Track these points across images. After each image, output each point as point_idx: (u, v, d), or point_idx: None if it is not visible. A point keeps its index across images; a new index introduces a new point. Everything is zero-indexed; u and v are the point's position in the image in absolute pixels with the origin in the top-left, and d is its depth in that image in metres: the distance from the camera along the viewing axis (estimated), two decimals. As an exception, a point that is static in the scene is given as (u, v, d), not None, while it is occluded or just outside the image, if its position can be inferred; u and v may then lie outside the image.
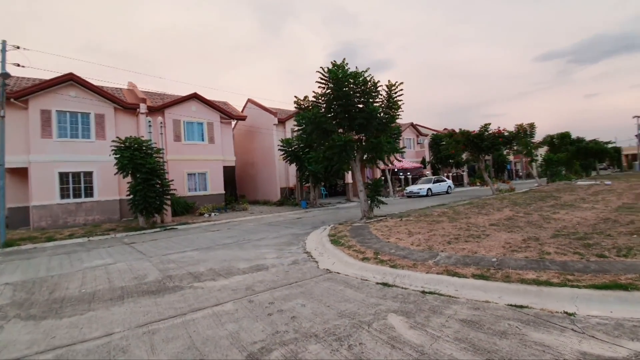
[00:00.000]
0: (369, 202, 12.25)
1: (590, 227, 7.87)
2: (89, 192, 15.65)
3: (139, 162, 13.23)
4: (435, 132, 34.60)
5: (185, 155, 19.10)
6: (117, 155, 13.25)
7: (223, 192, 20.63)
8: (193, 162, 19.42)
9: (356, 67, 11.38)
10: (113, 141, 13.49)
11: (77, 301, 5.00)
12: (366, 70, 11.34)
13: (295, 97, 11.80)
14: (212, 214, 17.83)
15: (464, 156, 26.88)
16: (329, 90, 11.43)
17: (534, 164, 28.57)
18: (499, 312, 3.83)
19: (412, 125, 33.26)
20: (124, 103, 16.72)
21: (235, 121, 22.86)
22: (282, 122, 23.38)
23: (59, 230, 13.49)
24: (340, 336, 3.38)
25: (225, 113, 20.81)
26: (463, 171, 36.03)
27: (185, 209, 18.23)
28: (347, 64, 11.45)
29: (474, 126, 21.04)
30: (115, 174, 13.92)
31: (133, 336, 3.68)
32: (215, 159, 20.30)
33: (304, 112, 11.43)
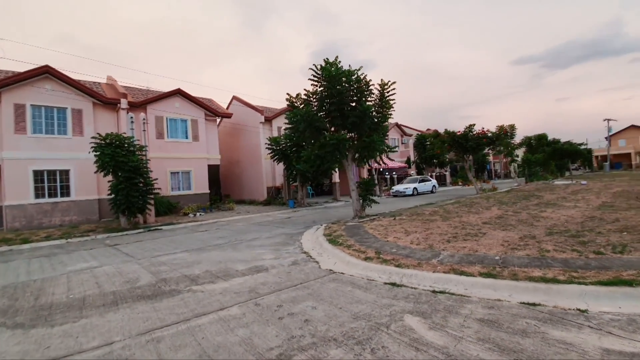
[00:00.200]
0: (361, 201, 12.22)
1: (578, 224, 8.11)
2: (66, 191, 14.82)
3: (121, 160, 12.62)
4: (419, 133, 35.14)
5: (169, 153, 18.46)
6: (97, 153, 12.59)
7: (208, 191, 20.10)
8: (176, 160, 18.81)
9: (349, 65, 11.32)
10: (93, 138, 12.81)
11: (66, 308, 4.64)
12: (359, 69, 11.28)
13: (288, 94, 11.60)
14: (198, 214, 17.32)
15: (448, 156, 27.40)
16: (321, 88, 11.30)
17: (514, 164, 29.52)
18: (513, 310, 3.81)
19: (397, 125, 33.62)
20: (104, 98, 15.96)
21: (220, 119, 22.35)
22: (268, 120, 23.03)
23: (34, 231, 12.69)
24: (360, 339, 3.26)
25: (210, 110, 20.27)
26: (446, 171, 36.79)
27: (169, 209, 17.62)
28: (339, 61, 11.36)
29: (452, 127, 21.44)
30: (95, 172, 13.23)
31: (136, 345, 3.42)
32: (200, 157, 19.75)
33: (298, 110, 11.23)
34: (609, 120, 46.76)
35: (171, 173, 18.71)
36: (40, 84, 14.07)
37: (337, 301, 4.34)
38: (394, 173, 28.87)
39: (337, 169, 21.22)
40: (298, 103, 11.67)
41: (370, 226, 9.52)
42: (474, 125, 20.22)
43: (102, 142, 12.73)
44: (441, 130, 24.29)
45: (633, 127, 56.05)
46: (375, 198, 12.96)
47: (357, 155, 12.20)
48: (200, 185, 19.68)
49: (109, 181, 13.14)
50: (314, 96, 11.57)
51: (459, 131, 20.67)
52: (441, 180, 35.83)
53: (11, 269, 7.28)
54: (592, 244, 6.04)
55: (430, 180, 25.97)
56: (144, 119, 15.62)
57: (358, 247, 7.02)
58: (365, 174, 25.49)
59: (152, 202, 14.25)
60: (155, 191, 14.15)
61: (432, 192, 25.30)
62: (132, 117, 15.13)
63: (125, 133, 14.33)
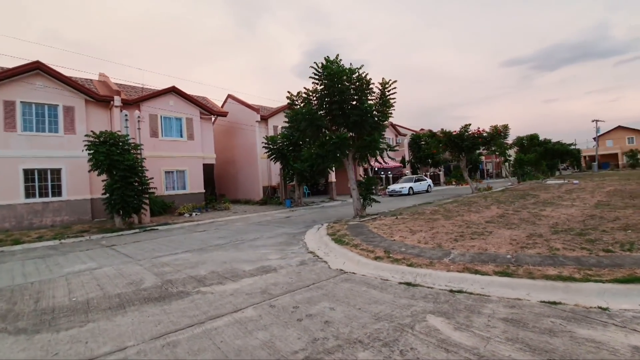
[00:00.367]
0: (362, 200, 12.15)
1: (581, 223, 8.18)
2: (57, 190, 14.40)
3: (116, 158, 12.31)
4: (413, 132, 35.30)
5: (163, 152, 18.12)
6: (91, 151, 12.26)
7: (203, 191, 19.81)
8: (171, 160, 18.49)
9: (350, 64, 11.24)
10: (86, 136, 12.47)
11: (70, 311, 4.44)
12: (360, 67, 11.22)
13: (289, 92, 11.45)
14: (193, 213, 17.05)
15: (444, 156, 27.57)
16: (322, 87, 11.20)
17: (507, 163, 29.88)
18: (535, 309, 3.77)
19: (392, 124, 33.72)
20: (97, 95, 15.56)
21: (215, 117, 22.05)
22: (264, 119, 22.82)
23: (25, 232, 12.27)
24: (387, 341, 3.17)
25: (205, 108, 19.98)
26: (440, 171, 37.06)
27: (163, 208, 17.29)
28: (340, 60, 11.28)
29: (443, 127, 21.60)
30: (89, 171, 12.89)
31: (152, 350, 3.26)
32: (195, 156, 19.44)
33: (300, 108, 11.11)
34: (597, 121, 47.78)
35: (165, 172, 18.38)
36: (30, 80, 13.63)
37: (354, 302, 4.24)
38: (389, 172, 28.94)
39: (333, 169, 21.20)
40: (299, 101, 11.54)
41: (373, 225, 9.46)
42: (470, 125, 20.38)
43: (96, 140, 12.41)
44: (435, 130, 24.49)
45: (620, 128, 57.42)
46: (375, 197, 12.91)
47: (357, 154, 12.13)
48: (195, 184, 19.38)
49: (102, 180, 12.81)
50: (314, 95, 11.47)
51: (455, 131, 20.79)
52: (435, 180, 36.09)
53: (5, 271, 6.99)
54: (600, 242, 6.07)
55: (426, 180, 26.11)
56: (139, 116, 15.29)
57: (366, 246, 6.94)
58: (361, 173, 25.49)
59: (147, 201, 13.96)
60: (151, 190, 13.86)
61: (427, 191, 25.43)
62: (126, 115, 14.78)
63: (119, 131, 13.99)
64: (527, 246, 6.09)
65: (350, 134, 11.97)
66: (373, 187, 12.60)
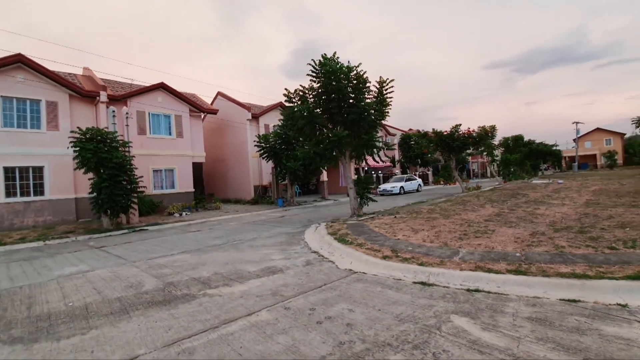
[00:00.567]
0: (359, 199, 12.07)
1: (577, 221, 8.34)
2: (40, 189, 13.72)
3: (104, 156, 11.79)
4: (402, 132, 35.56)
5: (151, 150, 17.56)
6: (77, 148, 11.70)
7: (192, 190, 19.33)
8: (159, 158, 17.94)
9: (348, 62, 11.14)
10: (72, 132, 11.89)
11: (68, 317, 4.14)
12: (358, 65, 11.13)
13: (286, 89, 11.22)
14: (183, 213, 16.60)
15: (434, 156, 27.86)
16: (319, 84, 11.05)
17: (494, 163, 30.49)
18: (557, 307, 3.75)
19: (381, 124, 33.86)
20: (82, 90, 14.91)
21: (204, 115, 21.55)
22: (255, 117, 22.46)
23: (7, 233, 11.62)
24: (416, 343, 3.06)
25: (194, 106, 19.49)
26: (428, 170, 37.48)
27: (152, 208, 16.76)
28: (337, 57, 11.17)
29: (428, 128, 21.90)
30: (75, 169, 12.30)
31: (166, 358, 3.05)
32: (184, 154, 18.94)
33: (299, 106, 10.91)
34: (577, 123, 49.43)
35: (154, 171, 17.82)
36: (12, 73, 12.91)
37: (372, 303, 4.12)
38: (379, 172, 29.05)
39: (325, 168, 21.06)
40: (296, 99, 11.34)
41: (373, 224, 9.38)
42: (460, 125, 20.70)
43: (83, 137, 11.85)
44: (423, 130, 24.71)
45: (598, 129, 59.62)
46: (371, 196, 12.85)
47: (355, 153, 12.04)
48: (184, 183, 18.88)
49: (89, 179, 12.28)
50: (311, 92, 11.30)
51: (446, 131, 21.04)
52: (424, 179, 36.44)
53: (-11, 275, 6.54)
54: (602, 239, 6.16)
55: (416, 179, 26.33)
56: (127, 112, 14.73)
57: (371, 245, 6.84)
58: (353, 173, 25.46)
59: (136, 201, 13.48)
60: (141, 189, 13.38)
61: (417, 190, 25.64)
62: (114, 111, 14.21)
63: (107, 128, 13.43)
64: (533, 244, 6.12)
65: (347, 132, 11.86)
66: (370, 186, 12.53)
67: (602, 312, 3.59)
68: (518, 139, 34.63)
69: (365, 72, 11.04)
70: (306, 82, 11.59)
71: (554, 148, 39.65)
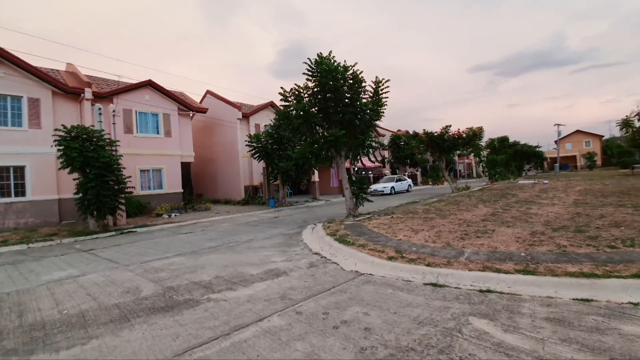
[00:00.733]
0: (354, 199, 12.00)
1: (570, 220, 8.49)
2: (21, 190, 13.09)
3: (90, 155, 11.32)
4: (392, 133, 35.80)
5: (138, 149, 17.03)
6: (62, 147, 11.20)
7: (181, 190, 18.86)
8: (147, 157, 17.42)
9: (344, 61, 11.05)
10: (56, 130, 11.39)
11: (64, 326, 3.88)
12: (354, 65, 11.06)
13: (282, 88, 11.06)
14: (172, 214, 16.19)
15: (424, 156, 28.11)
16: (314, 83, 10.92)
17: (481, 164, 31.04)
18: (572, 307, 3.74)
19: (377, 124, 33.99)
20: (66, 87, 14.32)
21: (193, 113, 21.08)
22: (246, 116, 22.14)
23: (-15, 236, 11.01)
24: (441, 348, 2.98)
25: (183, 104, 19.03)
26: (417, 171, 37.85)
27: (139, 209, 16.26)
28: (333, 56, 11.06)
29: (414, 130, 22.15)
30: (59, 169, 11.76)
31: (179, 369, 2.87)
32: (173, 154, 18.46)
33: (294, 105, 10.75)
34: (559, 125, 50.99)
35: (141, 171, 17.29)
36: (-10, 67, 12.29)
37: (386, 305, 4.02)
38: (369, 172, 29.13)
39: (317, 168, 20.95)
40: (291, 98, 11.18)
41: (372, 225, 9.31)
42: (450, 126, 20.93)
43: (67, 135, 11.35)
44: (412, 132, 24.92)
45: (578, 132, 61.70)
46: (367, 197, 12.80)
47: (350, 152, 11.97)
48: (172, 184, 18.41)
49: (74, 179, 11.78)
50: (306, 91, 11.16)
51: (436, 132, 21.26)
52: (413, 180, 36.80)
53: (-30, 282, 6.13)
54: (601, 239, 6.26)
55: (406, 180, 26.53)
56: (114, 110, 14.24)
57: (373, 246, 6.75)
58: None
59: (124, 202, 13.02)
60: (129, 190, 12.93)
61: (407, 191, 25.83)
62: (100, 109, 13.72)
63: (92, 126, 12.93)
64: (535, 244, 6.16)
65: (344, 131, 11.77)
66: (366, 186, 12.48)
67: (617, 311, 3.60)
68: (504, 140, 35.44)
69: (361, 72, 11.00)
70: (294, 83, 11.51)
71: (537, 149, 40.77)
